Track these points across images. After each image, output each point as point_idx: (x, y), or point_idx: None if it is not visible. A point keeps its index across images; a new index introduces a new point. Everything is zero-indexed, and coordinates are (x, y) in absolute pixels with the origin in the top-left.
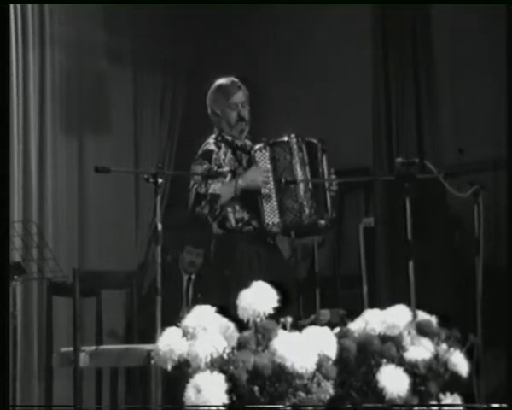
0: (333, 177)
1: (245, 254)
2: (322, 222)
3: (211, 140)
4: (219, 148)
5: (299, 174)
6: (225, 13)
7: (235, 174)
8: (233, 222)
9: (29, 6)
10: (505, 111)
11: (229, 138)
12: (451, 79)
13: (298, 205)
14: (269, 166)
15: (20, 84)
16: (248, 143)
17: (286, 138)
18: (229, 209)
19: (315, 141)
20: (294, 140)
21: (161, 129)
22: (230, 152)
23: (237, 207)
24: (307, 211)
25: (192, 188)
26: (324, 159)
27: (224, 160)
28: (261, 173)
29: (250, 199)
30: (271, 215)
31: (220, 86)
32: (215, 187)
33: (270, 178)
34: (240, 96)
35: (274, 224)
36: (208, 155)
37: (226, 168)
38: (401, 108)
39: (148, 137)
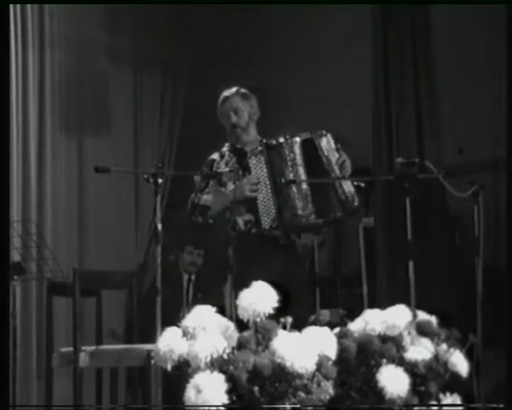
0: (344, 157)
1: (259, 254)
2: (320, 221)
3: (223, 149)
4: (222, 157)
5: (290, 177)
6: (225, 13)
7: (237, 176)
8: (242, 225)
9: (29, 6)
10: (505, 111)
11: (239, 146)
12: (451, 79)
13: (292, 208)
14: (265, 170)
15: (19, 84)
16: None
17: (278, 141)
18: (237, 214)
19: (309, 136)
20: (285, 143)
21: (161, 129)
22: (236, 160)
23: (242, 211)
24: (299, 212)
25: (190, 197)
26: (324, 144)
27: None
28: (247, 184)
29: (251, 202)
30: (268, 220)
31: (220, 97)
32: (206, 198)
33: (267, 182)
34: (231, 103)
35: (272, 227)
36: (209, 163)
37: (226, 168)
38: (401, 108)
39: (148, 137)
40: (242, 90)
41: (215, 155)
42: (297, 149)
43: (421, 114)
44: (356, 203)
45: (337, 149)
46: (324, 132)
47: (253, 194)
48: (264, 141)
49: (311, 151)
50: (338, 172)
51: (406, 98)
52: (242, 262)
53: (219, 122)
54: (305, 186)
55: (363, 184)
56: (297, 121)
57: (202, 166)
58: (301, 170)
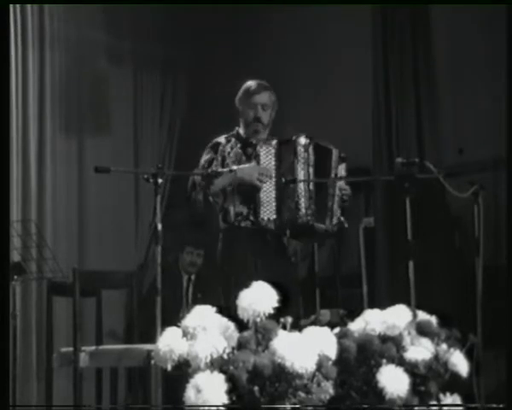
0: (347, 191)
1: (246, 250)
2: (322, 226)
3: (224, 134)
4: (228, 141)
5: (301, 175)
6: (225, 12)
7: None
8: (232, 216)
9: (29, 6)
10: (505, 111)
11: (244, 136)
12: (451, 79)
13: (294, 204)
14: (273, 163)
15: (19, 84)
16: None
17: (293, 138)
18: (230, 203)
19: (330, 147)
20: (302, 141)
21: (161, 129)
22: (239, 147)
23: (237, 202)
24: (303, 211)
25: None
26: (342, 168)
27: (229, 153)
28: (258, 171)
29: (249, 194)
30: (268, 211)
31: (248, 86)
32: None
33: (273, 175)
34: (261, 98)
35: (269, 220)
36: (215, 146)
37: (225, 168)
38: (401, 108)
39: (148, 137)
40: (269, 87)
41: (221, 139)
42: (311, 151)
43: (421, 114)
44: (335, 229)
45: (345, 178)
46: (344, 156)
47: (258, 183)
48: (275, 138)
49: (323, 159)
50: (337, 196)
51: (406, 98)
52: (230, 257)
53: (238, 108)
54: (312, 188)
55: (346, 225)
56: (297, 122)
57: (207, 148)
58: (311, 171)
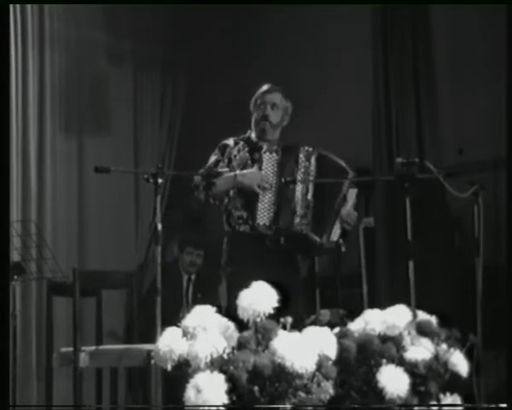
0: (355, 214)
1: (247, 253)
2: (317, 239)
3: (234, 137)
4: (236, 144)
5: (299, 184)
6: (225, 12)
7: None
8: (234, 219)
9: (29, 6)
10: (505, 111)
11: (255, 140)
12: (451, 79)
13: (290, 212)
14: (275, 169)
15: (19, 84)
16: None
17: (297, 146)
18: (233, 206)
19: (345, 167)
20: (304, 149)
21: (161, 129)
22: (247, 150)
23: (238, 205)
24: (297, 220)
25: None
26: (354, 192)
27: (235, 155)
28: (261, 178)
29: (249, 199)
30: (264, 217)
31: (261, 88)
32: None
33: (273, 182)
34: (271, 97)
35: (265, 225)
36: (222, 148)
37: (226, 171)
38: (401, 108)
39: (148, 137)
40: (284, 91)
41: (230, 141)
42: (313, 161)
43: (421, 114)
44: (331, 245)
45: (346, 179)
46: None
47: (257, 189)
48: (280, 143)
49: (331, 173)
50: (341, 215)
51: (406, 98)
52: (233, 259)
53: (250, 110)
54: (309, 197)
55: (344, 249)
56: (297, 122)
57: (215, 148)
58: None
